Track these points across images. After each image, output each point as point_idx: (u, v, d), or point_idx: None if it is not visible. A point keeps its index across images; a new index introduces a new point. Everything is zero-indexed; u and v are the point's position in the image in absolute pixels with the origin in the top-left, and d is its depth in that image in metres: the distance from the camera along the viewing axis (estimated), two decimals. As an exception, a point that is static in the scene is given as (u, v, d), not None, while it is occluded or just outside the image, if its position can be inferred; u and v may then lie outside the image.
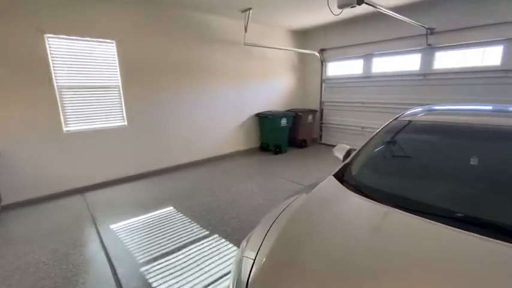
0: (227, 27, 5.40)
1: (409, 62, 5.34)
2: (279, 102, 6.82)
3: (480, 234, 1.11)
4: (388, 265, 1.06)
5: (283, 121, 6.03)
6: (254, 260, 1.17)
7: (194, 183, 4.38)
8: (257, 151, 6.47)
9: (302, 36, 7.03)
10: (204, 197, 3.81)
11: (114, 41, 4.13)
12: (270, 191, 4.00)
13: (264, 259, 1.15)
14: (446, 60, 4.87)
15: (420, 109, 2.45)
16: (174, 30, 4.70)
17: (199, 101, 5.27)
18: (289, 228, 1.32)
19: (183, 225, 3.03)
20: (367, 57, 5.96)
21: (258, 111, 6.29)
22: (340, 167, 1.94)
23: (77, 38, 3.80)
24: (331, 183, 1.76)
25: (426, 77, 5.14)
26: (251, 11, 4.79)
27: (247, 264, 1.19)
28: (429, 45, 4.97)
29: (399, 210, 1.35)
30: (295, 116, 6.32)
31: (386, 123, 2.25)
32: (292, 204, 1.55)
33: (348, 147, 2.28)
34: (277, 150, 6.13)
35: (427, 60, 5.08)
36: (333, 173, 1.89)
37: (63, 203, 3.72)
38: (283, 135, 6.17)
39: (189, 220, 3.15)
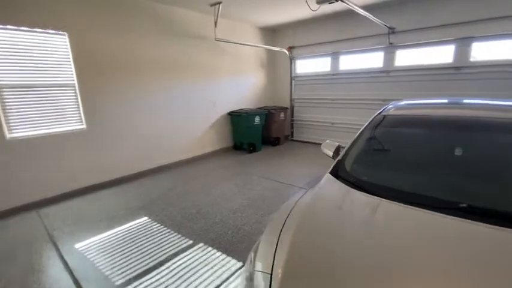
0: (197, 21, 5.12)
1: (374, 60, 5.64)
2: (250, 100, 6.73)
3: (481, 222, 1.14)
4: (405, 261, 1.03)
5: (257, 119, 5.95)
6: (271, 274, 1.05)
7: (168, 189, 4.07)
8: (231, 151, 6.30)
9: (271, 33, 7.01)
10: (181, 203, 3.55)
11: (66, 34, 3.62)
12: (250, 191, 3.88)
13: (283, 271, 1.04)
14: (407, 58, 5.24)
15: (399, 104, 2.53)
16: (138, 23, 4.30)
17: (168, 100, 4.92)
18: (301, 234, 1.23)
19: (162, 237, 2.77)
20: (334, 55, 6.16)
21: (230, 110, 6.12)
22: (334, 164, 1.90)
23: (19, 28, 3.24)
24: (330, 181, 1.70)
25: (389, 73, 5.47)
26: (221, 5, 4.59)
27: (261, 279, 1.07)
28: (391, 43, 5.29)
29: (402, 204, 1.34)
30: (268, 114, 6.29)
31: (371, 118, 2.28)
32: (296, 207, 1.46)
33: (336, 143, 2.26)
34: (252, 148, 6.03)
35: (389, 58, 5.41)
36: (328, 171, 1.84)
37: (14, 222, 3.16)
38: (257, 133, 6.09)
39: (168, 230, 2.89)
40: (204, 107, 5.59)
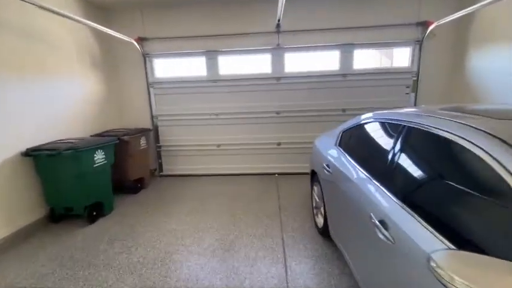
0: None
1: (261, 64, 4.55)
2: (76, 123, 3.75)
3: None
4: None
5: (99, 156, 3.21)
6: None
7: None
8: (45, 227, 3.10)
9: (104, 13, 4.33)
10: None
11: None
12: None
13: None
14: (296, 63, 4.52)
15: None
16: None
17: None
18: None
19: None
20: (211, 55, 4.54)
21: (30, 145, 2.97)
22: None
23: None
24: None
25: (279, 80, 4.56)
26: None
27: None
28: (278, 45, 4.39)
29: None
30: (119, 143, 3.65)
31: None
32: None
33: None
34: (95, 213, 3.20)
35: (278, 62, 4.50)
36: None
37: None
38: (103, 182, 3.32)
39: None
40: None
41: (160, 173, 4.98)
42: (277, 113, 4.66)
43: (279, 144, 4.75)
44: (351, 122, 2.37)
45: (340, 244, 2.08)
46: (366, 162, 1.78)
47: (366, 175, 1.67)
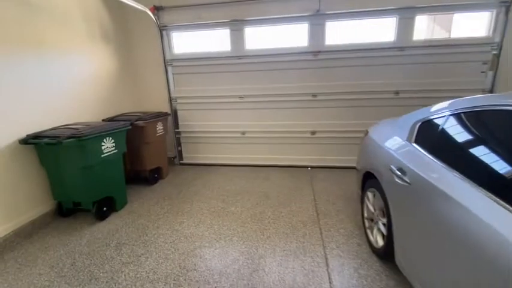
0: None
1: (296, 35, 3.79)
2: (86, 105, 3.34)
3: None
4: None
5: (108, 144, 2.78)
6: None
7: None
8: (52, 222, 2.79)
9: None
10: None
11: None
12: None
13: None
14: (339, 33, 3.70)
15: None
16: None
17: None
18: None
19: None
20: (236, 26, 3.85)
21: (30, 131, 2.58)
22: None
23: None
24: None
25: (317, 56, 3.79)
26: None
27: None
28: (318, 11, 3.58)
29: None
30: (132, 129, 3.19)
31: None
32: None
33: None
34: (105, 209, 2.83)
35: (318, 33, 3.71)
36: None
37: None
38: (113, 174, 2.90)
39: None
40: None
41: (180, 161, 4.55)
42: (314, 95, 3.94)
43: (313, 133, 4.06)
44: (438, 109, 1.64)
45: (419, 286, 1.44)
46: (497, 182, 1.09)
47: (498, 203, 0.99)
